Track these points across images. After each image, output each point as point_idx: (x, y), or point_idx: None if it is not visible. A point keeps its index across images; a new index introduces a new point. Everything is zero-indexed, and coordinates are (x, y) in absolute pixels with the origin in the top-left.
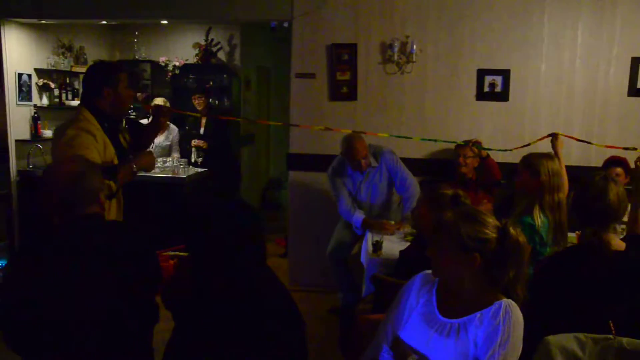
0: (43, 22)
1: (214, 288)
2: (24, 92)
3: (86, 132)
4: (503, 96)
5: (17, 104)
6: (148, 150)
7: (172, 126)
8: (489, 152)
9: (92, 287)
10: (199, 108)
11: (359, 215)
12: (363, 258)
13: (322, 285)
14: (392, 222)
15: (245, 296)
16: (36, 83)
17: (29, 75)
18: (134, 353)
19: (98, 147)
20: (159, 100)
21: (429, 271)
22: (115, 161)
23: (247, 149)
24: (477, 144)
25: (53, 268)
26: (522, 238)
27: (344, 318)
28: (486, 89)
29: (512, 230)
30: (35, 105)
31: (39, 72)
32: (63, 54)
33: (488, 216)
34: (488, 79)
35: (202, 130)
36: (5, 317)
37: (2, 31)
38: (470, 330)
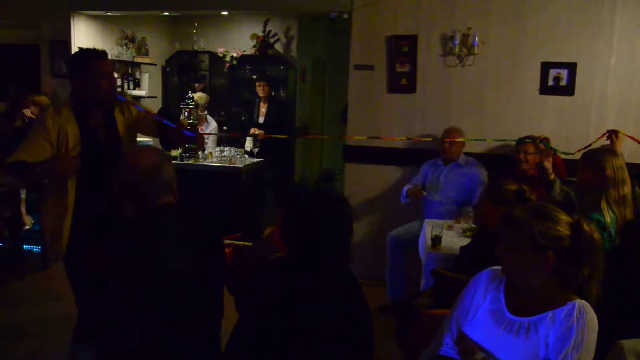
0: (109, 13)
1: (303, 279)
2: None
3: (41, 125)
4: (568, 90)
5: None
6: (72, 157)
7: (210, 119)
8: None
9: (168, 276)
10: (262, 95)
11: (406, 186)
12: (421, 251)
13: (377, 277)
14: (424, 193)
15: (325, 287)
16: None
17: None
18: (203, 340)
19: (49, 136)
20: (198, 96)
21: (497, 267)
22: (78, 148)
23: (301, 141)
24: (544, 140)
25: (130, 258)
26: (596, 234)
27: (400, 312)
28: (550, 83)
29: (586, 227)
30: None
31: None
32: (126, 44)
33: (560, 212)
34: (553, 73)
35: (261, 119)
36: (85, 303)
37: (72, 23)
38: (541, 329)
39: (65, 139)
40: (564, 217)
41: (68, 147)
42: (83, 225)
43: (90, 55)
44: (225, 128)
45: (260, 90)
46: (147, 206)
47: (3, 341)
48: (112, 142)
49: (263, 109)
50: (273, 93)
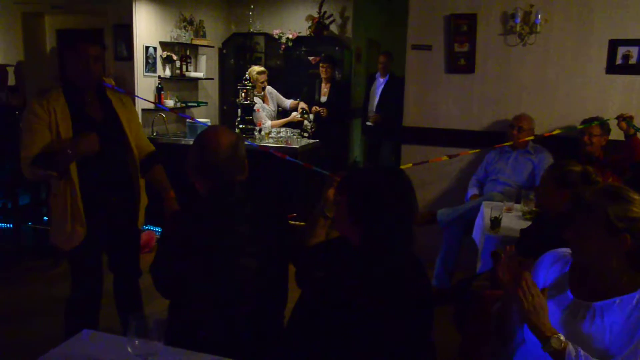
0: None
1: (365, 258)
2: (150, 64)
3: (31, 113)
4: (638, 69)
5: (144, 75)
6: (88, 133)
7: (270, 91)
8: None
9: (242, 250)
10: (325, 76)
11: (472, 191)
12: (476, 235)
13: (430, 260)
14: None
15: (389, 264)
16: (160, 55)
17: (155, 48)
18: (269, 316)
19: (43, 121)
20: (255, 69)
21: (562, 249)
22: (70, 133)
23: (355, 121)
24: (628, 119)
25: (207, 230)
26: None
27: (459, 294)
28: (619, 61)
29: None
30: (159, 77)
31: (163, 45)
32: (184, 27)
33: (633, 192)
34: (622, 50)
35: (323, 99)
36: (159, 271)
37: (134, 7)
38: (607, 316)
39: (56, 119)
40: (638, 198)
41: (59, 127)
42: (96, 209)
43: (75, 39)
44: (280, 109)
45: (323, 72)
46: (223, 181)
47: (51, 316)
48: (110, 123)
49: (325, 89)
50: (336, 74)
